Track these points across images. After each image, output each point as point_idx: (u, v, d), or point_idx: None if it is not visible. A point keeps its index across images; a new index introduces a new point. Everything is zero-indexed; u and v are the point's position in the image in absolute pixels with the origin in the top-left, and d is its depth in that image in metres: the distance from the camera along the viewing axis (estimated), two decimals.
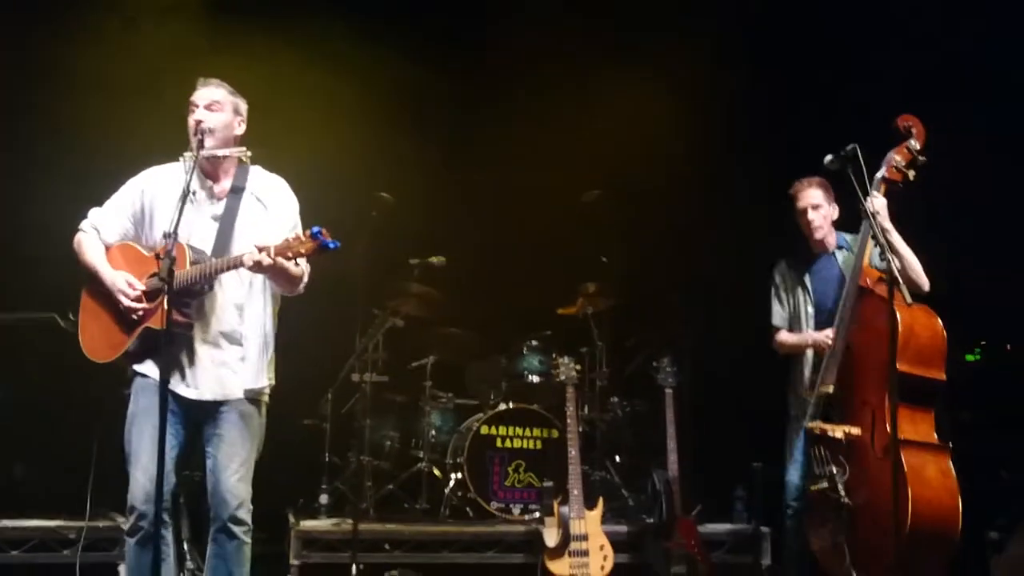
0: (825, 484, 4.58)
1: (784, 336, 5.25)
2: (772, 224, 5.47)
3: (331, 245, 3.65)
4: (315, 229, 3.65)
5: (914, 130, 4.78)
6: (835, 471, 4.57)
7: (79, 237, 4.12)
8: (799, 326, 5.19)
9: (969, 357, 6.86)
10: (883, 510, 4.30)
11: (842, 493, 4.52)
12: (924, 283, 4.76)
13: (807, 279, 5.19)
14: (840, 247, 5.14)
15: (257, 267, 3.75)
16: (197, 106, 4.03)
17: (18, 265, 6.28)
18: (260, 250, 3.71)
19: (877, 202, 4.68)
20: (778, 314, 5.29)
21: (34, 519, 5.54)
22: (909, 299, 4.20)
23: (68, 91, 6.58)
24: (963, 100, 6.47)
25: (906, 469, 4.33)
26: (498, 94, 7.49)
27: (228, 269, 3.85)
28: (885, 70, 6.81)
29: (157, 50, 6.60)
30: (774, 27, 7.22)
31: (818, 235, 5.11)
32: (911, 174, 4.70)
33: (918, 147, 4.74)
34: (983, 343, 6.85)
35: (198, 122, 3.99)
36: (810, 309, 5.15)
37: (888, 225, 4.71)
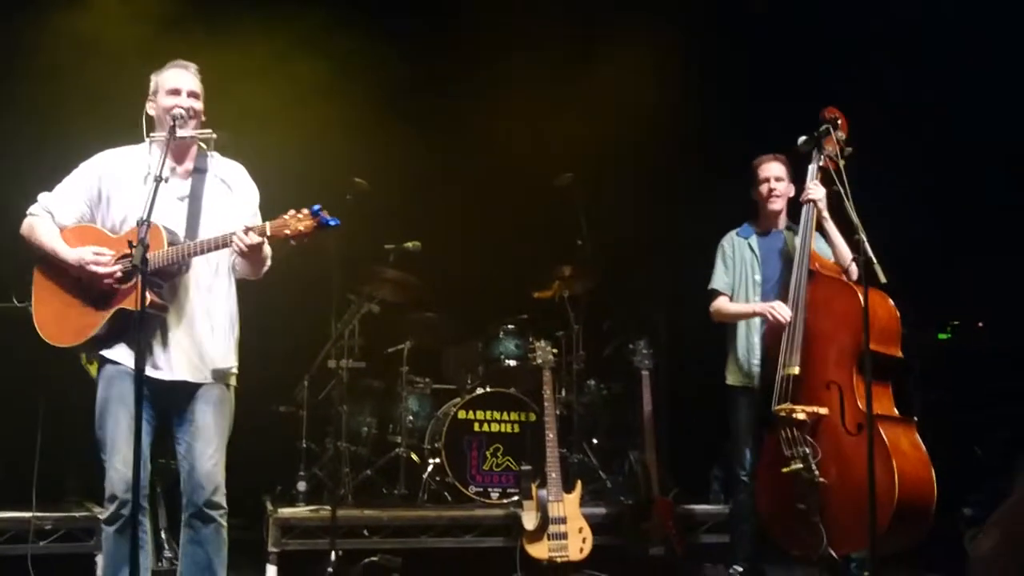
0: (799, 465, 4.63)
1: (725, 304, 5.32)
2: (749, 204, 5.50)
3: (331, 222, 3.61)
4: (315, 207, 3.61)
5: (839, 121, 4.93)
6: (807, 452, 4.62)
7: (30, 221, 4.04)
8: (743, 295, 5.27)
9: (941, 336, 6.93)
10: (859, 486, 4.35)
11: (816, 472, 4.58)
12: (853, 272, 4.85)
13: (756, 249, 5.30)
14: (788, 228, 5.26)
15: (248, 247, 3.72)
16: (181, 92, 4.00)
17: None
18: (251, 229, 3.69)
19: (816, 191, 4.90)
20: (721, 279, 5.36)
21: (8, 511, 5.48)
22: (883, 279, 4.29)
23: (16, 75, 6.53)
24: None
25: (887, 443, 4.42)
26: (471, 78, 7.46)
27: (216, 248, 3.82)
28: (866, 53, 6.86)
29: (115, 32, 6.52)
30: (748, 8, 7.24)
31: (777, 205, 5.25)
32: (842, 163, 4.80)
33: (843, 137, 4.89)
34: (955, 322, 6.92)
35: (189, 108, 3.97)
36: (757, 277, 5.24)
37: (827, 214, 4.91)
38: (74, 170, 4.10)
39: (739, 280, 5.30)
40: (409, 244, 6.68)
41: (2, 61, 6.49)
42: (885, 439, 4.43)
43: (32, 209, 4.06)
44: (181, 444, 4.00)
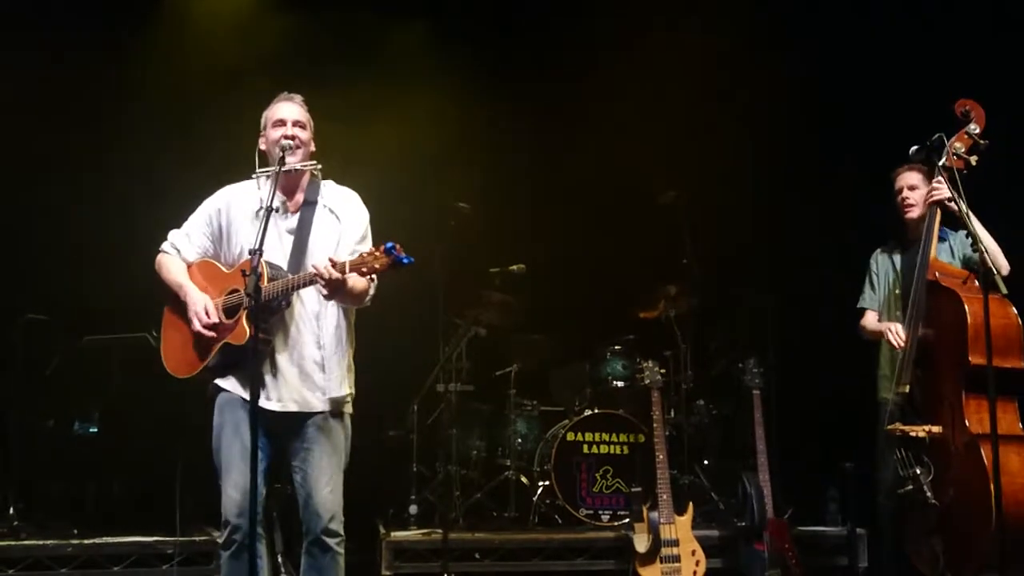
0: (911, 486, 4.48)
1: (866, 321, 5.21)
2: (856, 219, 5.38)
3: (405, 260, 3.60)
4: (388, 244, 3.60)
5: (972, 114, 4.67)
6: (919, 472, 4.48)
7: (160, 258, 4.18)
8: (887, 311, 5.14)
9: None
10: (972, 507, 4.21)
11: (928, 494, 4.43)
12: (1003, 266, 4.62)
13: (898, 264, 5.14)
14: (941, 239, 4.99)
15: (331, 284, 3.72)
16: (286, 122, 4.06)
17: (116, 287, 6.47)
18: (334, 265, 3.70)
19: (940, 192, 4.66)
20: (868, 296, 5.24)
21: (132, 535, 5.68)
22: (1004, 290, 4.12)
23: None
24: None
25: (985, 463, 4.23)
26: (571, 97, 7.47)
27: (304, 286, 3.84)
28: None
29: (241, 73, 6.76)
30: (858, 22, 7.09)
31: (912, 214, 5.04)
32: (973, 159, 4.59)
33: (978, 131, 4.64)
34: None
35: (292, 137, 4.02)
36: (898, 291, 5.09)
37: (966, 210, 4.53)
38: (200, 206, 4.22)
39: (884, 296, 5.18)
40: (514, 267, 6.71)
41: (140, 98, 6.82)
42: (984, 459, 4.24)
43: (163, 246, 4.20)
44: (298, 473, 4.04)
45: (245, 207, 4.10)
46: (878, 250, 5.28)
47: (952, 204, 4.61)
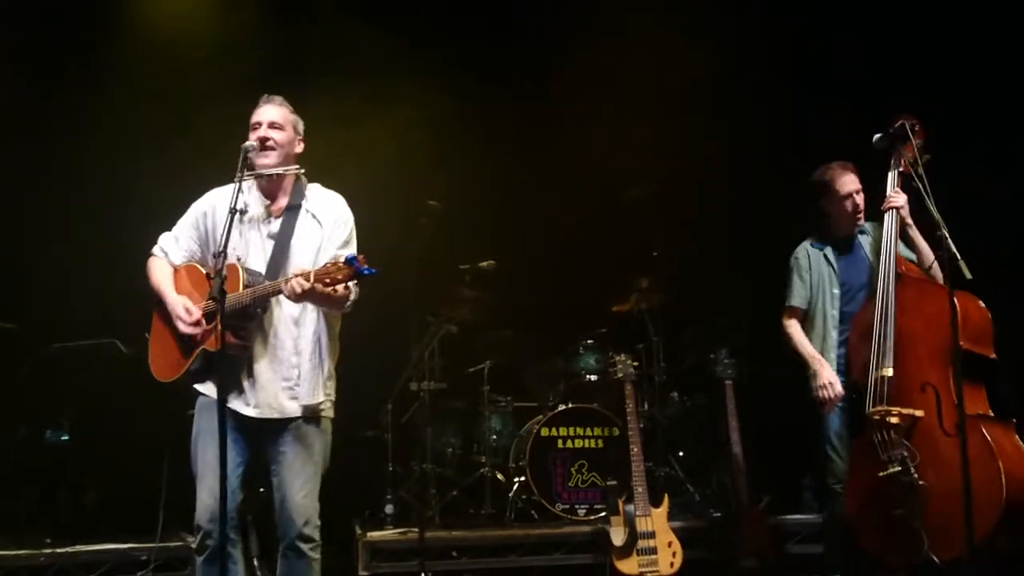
0: (897, 468, 4.53)
1: (796, 330, 5.18)
2: (817, 214, 5.40)
3: (366, 272, 3.59)
4: (350, 255, 3.60)
5: (916, 128, 4.87)
6: (905, 454, 4.52)
7: (150, 262, 4.18)
8: (821, 309, 5.14)
9: None
10: (961, 488, 4.22)
11: (916, 476, 4.47)
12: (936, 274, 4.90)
13: (834, 261, 5.16)
14: (862, 232, 5.16)
15: (296, 295, 3.72)
16: (261, 124, 4.05)
17: (83, 294, 6.43)
18: (299, 275, 3.69)
19: (900, 198, 4.88)
20: (799, 294, 5.20)
21: (107, 543, 5.64)
22: (968, 274, 4.30)
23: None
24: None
25: (991, 442, 4.35)
26: (542, 94, 7.47)
27: (272, 295, 3.84)
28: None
29: (218, 73, 6.73)
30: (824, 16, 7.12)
31: (862, 218, 5.11)
32: (920, 170, 4.74)
33: (922, 144, 4.85)
34: None
35: (263, 139, 4.02)
36: (836, 291, 5.12)
37: (910, 220, 4.90)
38: (189, 208, 4.21)
39: (816, 293, 5.18)
40: (484, 263, 6.70)
41: (116, 109, 6.77)
42: (989, 438, 4.35)
43: (153, 249, 4.19)
44: (274, 476, 4.04)
45: (227, 210, 4.07)
46: (806, 244, 5.26)
47: (904, 212, 4.89)
